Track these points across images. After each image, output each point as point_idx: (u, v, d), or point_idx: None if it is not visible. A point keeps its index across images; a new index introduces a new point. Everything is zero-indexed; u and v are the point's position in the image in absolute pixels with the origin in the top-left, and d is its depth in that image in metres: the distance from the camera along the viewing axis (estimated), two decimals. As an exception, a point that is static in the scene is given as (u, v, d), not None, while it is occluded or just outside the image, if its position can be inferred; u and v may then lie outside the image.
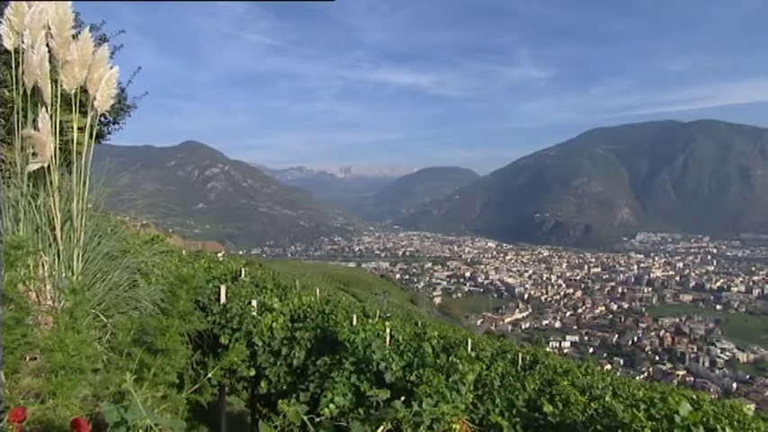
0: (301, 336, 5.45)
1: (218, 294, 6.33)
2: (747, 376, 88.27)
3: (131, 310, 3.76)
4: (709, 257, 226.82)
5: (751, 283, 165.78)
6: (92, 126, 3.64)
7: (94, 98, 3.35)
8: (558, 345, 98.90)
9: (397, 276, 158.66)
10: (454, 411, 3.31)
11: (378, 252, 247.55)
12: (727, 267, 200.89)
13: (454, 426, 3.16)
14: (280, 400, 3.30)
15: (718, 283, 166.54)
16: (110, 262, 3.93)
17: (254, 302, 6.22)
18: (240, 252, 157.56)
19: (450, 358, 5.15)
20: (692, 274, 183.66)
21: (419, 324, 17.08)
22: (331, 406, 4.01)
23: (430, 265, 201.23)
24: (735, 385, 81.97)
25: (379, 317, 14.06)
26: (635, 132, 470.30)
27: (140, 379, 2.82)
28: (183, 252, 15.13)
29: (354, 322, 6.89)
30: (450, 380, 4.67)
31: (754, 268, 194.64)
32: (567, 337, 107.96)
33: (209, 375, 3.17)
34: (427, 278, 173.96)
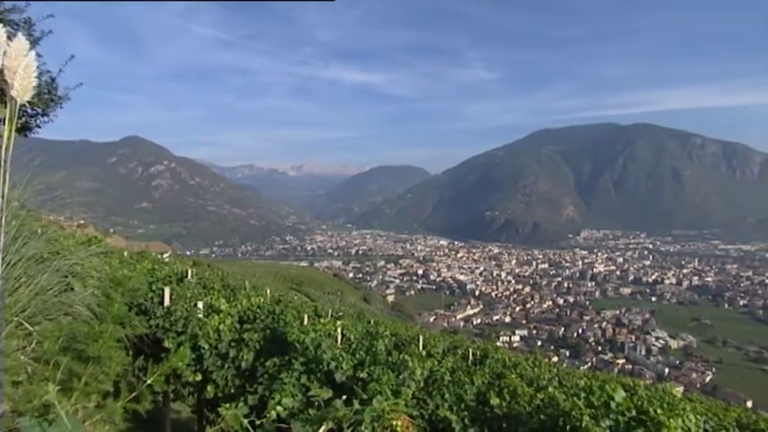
0: (250, 337, 5.30)
1: (162, 297, 6.05)
2: (678, 361, 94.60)
3: (62, 316, 3.48)
4: (645, 253, 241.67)
5: (681, 276, 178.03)
6: (11, 117, 3.32)
7: (13, 87, 3.09)
8: (508, 339, 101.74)
9: (351, 275, 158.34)
10: (395, 408, 3.32)
11: (330, 251, 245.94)
12: (661, 262, 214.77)
13: (395, 422, 3.17)
14: (221, 404, 3.18)
15: (654, 277, 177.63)
16: (37, 265, 3.62)
17: (200, 304, 6.00)
18: (188, 253, 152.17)
19: (401, 356, 5.18)
20: (631, 268, 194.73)
21: (372, 322, 17.10)
22: (279, 408, 3.93)
23: (383, 263, 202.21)
24: (667, 370, 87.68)
25: (331, 316, 13.97)
26: (578, 134, 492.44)
27: (69, 390, 2.61)
28: (125, 253, 14.43)
29: (305, 322, 6.80)
30: (400, 377, 4.70)
31: (683, 262, 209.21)
32: (517, 332, 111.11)
33: (149, 382, 3.00)
34: (380, 276, 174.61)
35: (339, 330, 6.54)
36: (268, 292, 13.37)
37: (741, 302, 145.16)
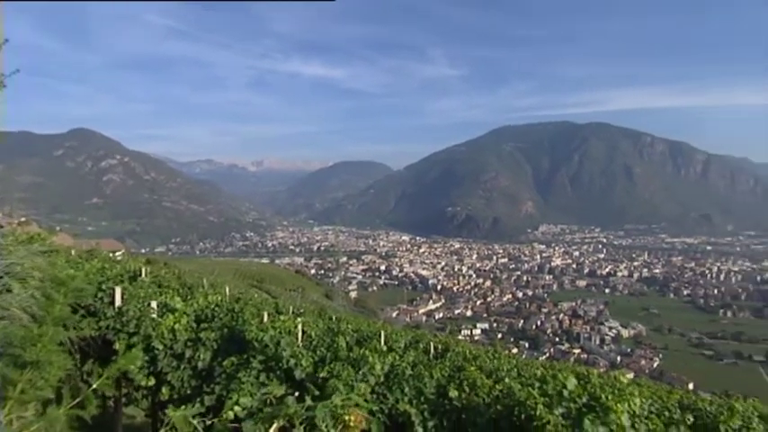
0: (207, 336, 5.18)
1: (113, 297, 5.80)
2: (629, 349, 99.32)
3: (-5, 320, 3.24)
4: (599, 246, 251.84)
5: (632, 268, 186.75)
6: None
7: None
8: (469, 332, 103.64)
9: (312, 272, 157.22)
10: (347, 403, 3.33)
11: (292, 247, 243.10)
12: (614, 255, 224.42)
13: (347, 417, 3.17)
14: (170, 406, 3.08)
15: (607, 269, 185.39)
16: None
17: (153, 304, 5.79)
18: (142, 251, 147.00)
19: (361, 351, 5.18)
20: (586, 261, 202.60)
21: (333, 319, 17.05)
22: (237, 408, 3.84)
23: (345, 259, 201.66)
24: (619, 358, 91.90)
25: (292, 313, 13.83)
26: (537, 131, 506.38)
27: (3, 398, 2.44)
28: (72, 252, 13.77)
29: (265, 319, 6.69)
30: (360, 372, 4.71)
31: (634, 255, 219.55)
32: (478, 325, 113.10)
33: (95, 386, 2.85)
34: (342, 272, 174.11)
35: (300, 327, 6.49)
36: (227, 289, 13.09)
37: (685, 292, 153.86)
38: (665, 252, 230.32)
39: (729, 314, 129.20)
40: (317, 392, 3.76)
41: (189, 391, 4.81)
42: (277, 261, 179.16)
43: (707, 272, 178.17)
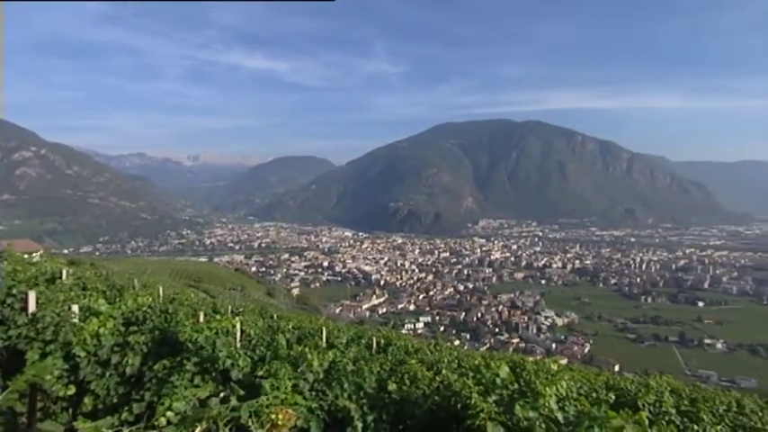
0: (136, 340, 4.90)
1: (26, 302, 5.34)
2: (563, 337, 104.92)
3: None
4: (536, 240, 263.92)
5: (566, 260, 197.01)
6: None
7: None
8: (412, 326, 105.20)
9: (253, 269, 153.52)
10: (275, 402, 3.28)
11: (231, 245, 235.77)
12: (549, 247, 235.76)
13: (274, 416, 3.13)
14: (80, 419, 2.87)
15: (543, 262, 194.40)
16: None
17: (75, 308, 5.39)
18: (65, 251, 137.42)
19: (300, 348, 5.11)
20: (524, 254, 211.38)
21: (275, 317, 16.75)
22: (169, 413, 3.67)
23: (287, 256, 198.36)
24: (554, 345, 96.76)
25: (231, 313, 13.45)
26: (477, 129, 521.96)
27: None
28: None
29: (201, 319, 6.44)
30: (298, 370, 4.64)
31: (567, 247, 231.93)
32: (421, 319, 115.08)
33: (-2, 401, 2.52)
34: (284, 270, 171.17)
35: (238, 327, 6.31)
36: (161, 290, 12.49)
37: (612, 281, 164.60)
38: (595, 244, 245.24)
39: (649, 300, 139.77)
40: (242, 393, 3.65)
41: (116, 400, 4.53)
42: (216, 259, 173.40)
43: (631, 262, 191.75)
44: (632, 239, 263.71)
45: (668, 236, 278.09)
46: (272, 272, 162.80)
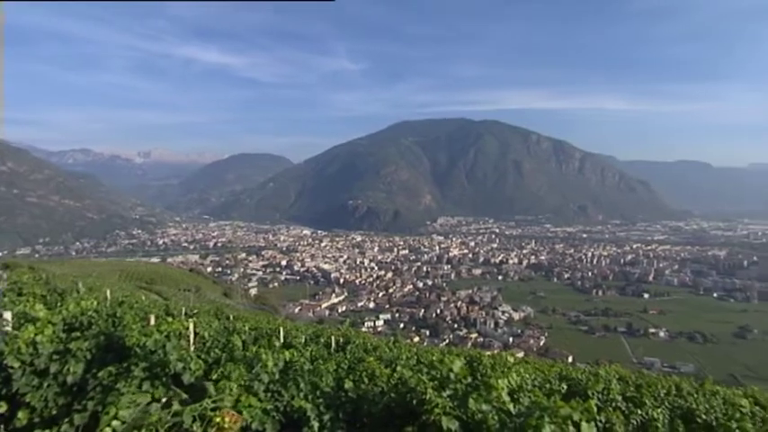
0: (78, 347, 4.64)
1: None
2: (519, 330, 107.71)
3: None
4: (493, 236, 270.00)
5: (522, 256, 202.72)
6: None
7: None
8: (372, 324, 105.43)
9: (209, 269, 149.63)
10: (219, 405, 3.22)
11: (186, 244, 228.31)
12: (506, 244, 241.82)
13: (219, 419, 3.07)
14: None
15: (500, 258, 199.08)
16: None
17: (7, 314, 5.05)
18: None
19: (255, 349, 5.00)
20: (481, 251, 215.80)
21: (231, 318, 16.38)
22: (114, 423, 3.50)
23: (244, 255, 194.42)
24: (511, 339, 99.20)
25: (185, 314, 13.03)
26: (435, 127, 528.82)
27: None
28: None
29: (152, 322, 6.19)
30: (253, 371, 4.54)
31: (523, 244, 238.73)
32: (381, 316, 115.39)
33: None
34: (242, 269, 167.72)
35: (191, 329, 6.11)
36: (108, 293, 11.94)
37: (566, 276, 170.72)
38: (550, 240, 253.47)
39: (600, 293, 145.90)
40: (185, 397, 3.53)
41: (55, 412, 4.26)
42: (169, 260, 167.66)
43: (583, 257, 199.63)
44: (584, 235, 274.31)
45: (617, 232, 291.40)
46: (229, 272, 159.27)
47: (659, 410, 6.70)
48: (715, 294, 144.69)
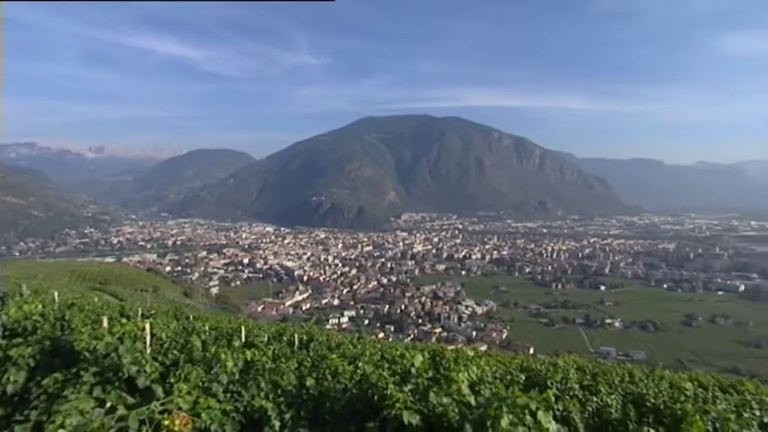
0: (20, 353, 4.40)
1: None
2: (482, 324, 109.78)
3: None
4: (456, 232, 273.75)
5: (484, 251, 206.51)
6: None
7: None
8: (337, 321, 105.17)
9: (168, 269, 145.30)
10: (168, 408, 3.13)
11: (143, 243, 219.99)
12: (469, 239, 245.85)
13: (168, 422, 2.98)
14: None
15: (463, 253, 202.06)
16: None
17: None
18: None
19: (214, 349, 4.88)
20: (445, 247, 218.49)
21: (190, 318, 15.94)
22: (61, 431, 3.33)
23: (204, 253, 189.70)
24: (474, 333, 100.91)
25: (142, 315, 12.59)
26: (399, 123, 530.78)
27: None
28: None
29: (105, 325, 5.94)
30: (212, 372, 4.42)
31: (486, 239, 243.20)
32: (345, 313, 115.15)
33: None
34: (202, 268, 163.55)
35: (148, 330, 5.91)
36: (56, 295, 11.38)
37: (527, 270, 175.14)
38: (511, 235, 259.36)
39: (560, 286, 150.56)
40: (125, 400, 3.41)
41: (-7, 423, 4.02)
42: (125, 259, 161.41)
43: (543, 251, 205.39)
44: (544, 230, 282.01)
45: (575, 227, 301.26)
46: (189, 271, 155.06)
47: (613, 397, 6.98)
48: (665, 285, 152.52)
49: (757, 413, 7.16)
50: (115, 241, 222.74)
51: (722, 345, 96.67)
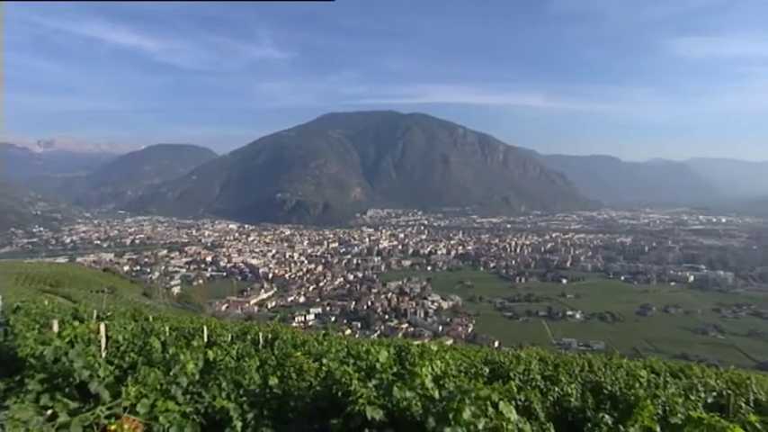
0: (-42, 361, 4.13)
1: None
2: (448, 319, 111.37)
3: None
4: (422, 228, 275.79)
5: (450, 247, 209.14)
6: None
7: None
8: (303, 318, 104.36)
9: (126, 268, 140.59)
10: (115, 412, 3.02)
11: (98, 242, 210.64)
12: (434, 235, 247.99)
13: (113, 427, 2.88)
14: None
15: (429, 249, 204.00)
16: None
17: None
18: None
19: (173, 350, 4.74)
20: (411, 242, 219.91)
21: (150, 319, 15.47)
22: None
23: (165, 252, 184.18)
24: (441, 328, 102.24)
25: (97, 318, 12.12)
26: (364, 119, 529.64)
27: None
28: None
29: (55, 328, 5.67)
30: (171, 373, 4.29)
31: (451, 235, 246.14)
32: (312, 310, 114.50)
33: None
34: (163, 267, 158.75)
35: (103, 332, 5.70)
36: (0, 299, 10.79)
37: (491, 265, 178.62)
38: (476, 231, 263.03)
39: (523, 280, 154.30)
40: (70, 406, 3.27)
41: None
42: (79, 259, 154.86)
43: (507, 246, 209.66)
44: (508, 226, 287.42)
45: (538, 222, 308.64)
46: (149, 270, 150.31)
47: (573, 386, 7.22)
48: (622, 277, 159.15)
49: (702, 395, 7.68)
50: (68, 241, 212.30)
51: (674, 332, 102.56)
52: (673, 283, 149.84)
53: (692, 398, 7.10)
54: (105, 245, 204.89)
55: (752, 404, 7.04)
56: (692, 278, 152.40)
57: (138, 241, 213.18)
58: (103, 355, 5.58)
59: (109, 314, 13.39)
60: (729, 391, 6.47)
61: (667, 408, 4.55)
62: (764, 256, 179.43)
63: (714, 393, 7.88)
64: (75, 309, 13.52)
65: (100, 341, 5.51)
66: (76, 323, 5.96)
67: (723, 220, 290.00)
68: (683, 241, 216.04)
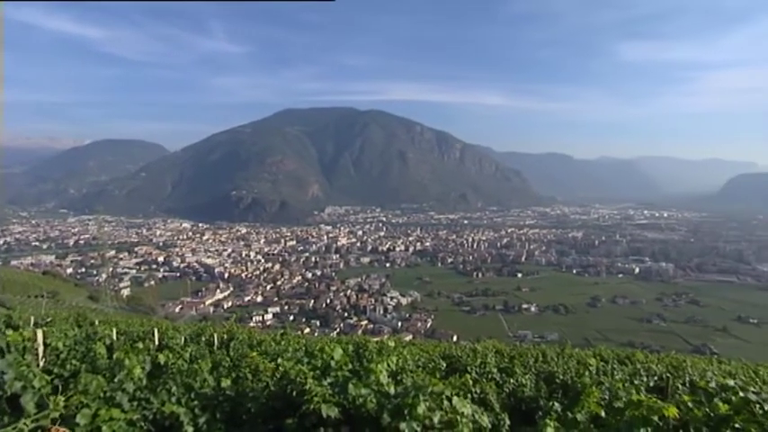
0: None
1: None
2: (407, 315, 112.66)
3: None
4: (380, 225, 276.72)
5: (408, 243, 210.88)
6: None
7: None
8: (261, 318, 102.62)
9: (69, 271, 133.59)
10: (41, 425, 2.87)
11: (37, 243, 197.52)
12: (393, 232, 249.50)
13: None
14: None
15: (387, 245, 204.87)
16: None
17: None
18: None
19: (118, 355, 4.52)
20: (369, 239, 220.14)
21: (95, 323, 14.75)
22: None
23: (113, 253, 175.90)
24: (400, 324, 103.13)
25: (35, 324, 11.40)
26: (322, 116, 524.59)
27: None
28: None
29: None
30: (116, 380, 4.08)
31: (409, 231, 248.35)
32: (269, 310, 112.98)
33: None
34: (110, 268, 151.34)
35: (40, 340, 5.35)
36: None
37: (449, 260, 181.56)
38: (434, 227, 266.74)
39: (480, 275, 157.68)
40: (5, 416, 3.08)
41: None
42: (14, 262, 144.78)
43: (464, 242, 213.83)
44: (465, 222, 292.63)
45: (494, 218, 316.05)
46: (95, 272, 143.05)
47: (527, 377, 7.44)
48: (574, 271, 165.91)
49: (645, 379, 8.17)
50: (1, 242, 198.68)
51: (621, 322, 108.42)
52: (620, 275, 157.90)
53: (636, 382, 7.52)
54: (45, 246, 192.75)
55: (687, 385, 7.54)
56: (637, 270, 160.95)
57: (82, 242, 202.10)
58: (41, 364, 5.24)
59: (48, 320, 12.65)
60: (668, 375, 6.90)
61: (612, 393, 4.77)
62: (701, 248, 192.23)
63: (655, 377, 8.42)
64: (8, 316, 12.68)
65: (37, 349, 5.17)
66: (9, 331, 5.56)
67: (665, 215, 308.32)
68: (630, 235, 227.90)
